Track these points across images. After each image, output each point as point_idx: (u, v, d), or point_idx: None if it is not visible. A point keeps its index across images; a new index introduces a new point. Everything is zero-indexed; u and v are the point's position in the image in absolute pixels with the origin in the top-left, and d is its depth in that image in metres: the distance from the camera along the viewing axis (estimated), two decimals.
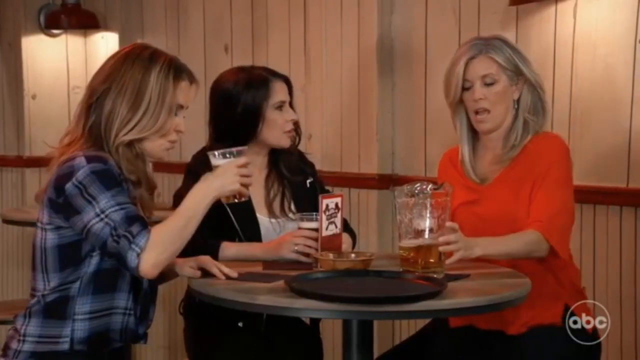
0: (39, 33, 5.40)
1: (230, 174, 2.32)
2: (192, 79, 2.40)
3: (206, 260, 2.46)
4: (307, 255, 2.63)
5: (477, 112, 2.68)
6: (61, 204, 2.24)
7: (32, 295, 2.33)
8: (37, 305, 2.29)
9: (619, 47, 3.07)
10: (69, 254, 2.27)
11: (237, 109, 2.86)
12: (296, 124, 2.95)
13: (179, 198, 2.86)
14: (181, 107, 2.37)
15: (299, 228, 2.70)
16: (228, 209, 2.78)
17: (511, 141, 2.68)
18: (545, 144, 2.67)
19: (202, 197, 2.31)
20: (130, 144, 2.32)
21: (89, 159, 2.24)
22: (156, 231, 2.22)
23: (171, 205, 2.92)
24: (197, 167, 2.86)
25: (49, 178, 2.29)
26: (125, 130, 2.29)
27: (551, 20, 3.24)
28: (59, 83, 5.44)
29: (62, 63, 5.45)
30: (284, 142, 2.92)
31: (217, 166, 2.39)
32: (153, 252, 2.18)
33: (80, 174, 2.21)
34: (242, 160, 2.37)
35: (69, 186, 2.21)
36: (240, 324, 2.82)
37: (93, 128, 2.31)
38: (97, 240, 2.21)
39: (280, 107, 2.88)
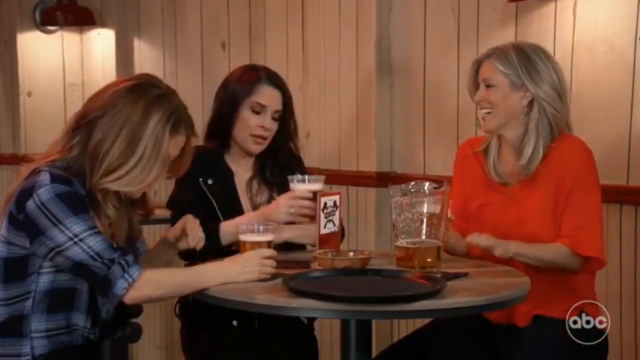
0: (34, 30, 5.38)
1: (252, 264, 2.29)
2: (190, 133, 2.28)
3: (189, 221, 2.47)
4: (303, 216, 2.64)
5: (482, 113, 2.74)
6: (22, 221, 2.17)
7: None
8: None
9: (618, 44, 3.05)
10: (13, 269, 2.21)
11: (223, 101, 2.84)
12: (267, 137, 2.83)
13: (174, 200, 2.85)
14: (169, 157, 2.26)
15: (292, 190, 2.69)
16: (219, 213, 2.77)
17: (526, 155, 2.67)
18: (570, 150, 2.66)
19: (216, 276, 2.25)
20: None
21: (54, 178, 2.16)
22: (156, 272, 2.24)
23: (166, 205, 2.90)
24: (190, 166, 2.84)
25: (14, 187, 2.21)
26: (112, 177, 2.18)
27: (551, 17, 3.22)
28: (55, 80, 5.42)
29: (57, 60, 5.42)
30: (250, 146, 2.84)
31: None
32: (145, 287, 2.18)
33: (42, 194, 2.13)
34: (267, 252, 2.35)
35: (29, 204, 2.14)
36: (234, 323, 2.80)
37: (75, 151, 2.21)
38: (68, 262, 2.16)
39: (258, 110, 2.82)
